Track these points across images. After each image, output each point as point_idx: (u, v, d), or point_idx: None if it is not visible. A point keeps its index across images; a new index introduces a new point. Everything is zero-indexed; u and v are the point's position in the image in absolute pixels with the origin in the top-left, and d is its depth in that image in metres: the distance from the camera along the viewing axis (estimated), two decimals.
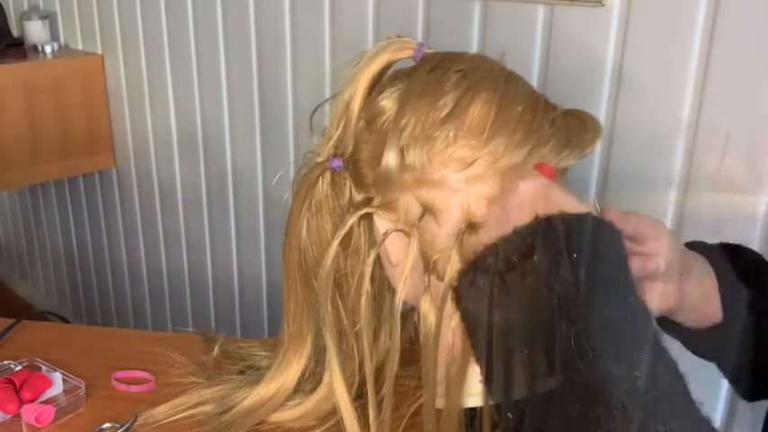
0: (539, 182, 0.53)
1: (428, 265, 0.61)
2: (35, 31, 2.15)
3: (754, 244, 0.93)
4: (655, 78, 0.99)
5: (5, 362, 0.88)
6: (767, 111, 0.90)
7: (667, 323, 0.66)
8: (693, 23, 0.94)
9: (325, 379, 0.73)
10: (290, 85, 1.56)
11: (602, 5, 1.01)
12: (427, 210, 0.59)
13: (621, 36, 1.01)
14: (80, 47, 2.16)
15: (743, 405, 0.87)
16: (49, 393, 0.83)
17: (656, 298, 0.60)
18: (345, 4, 1.39)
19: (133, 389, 0.85)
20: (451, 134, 0.57)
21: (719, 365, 0.69)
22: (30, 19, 2.15)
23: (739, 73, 0.91)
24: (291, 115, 1.58)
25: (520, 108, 0.58)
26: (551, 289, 0.47)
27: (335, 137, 0.65)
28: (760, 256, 0.70)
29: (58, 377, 0.85)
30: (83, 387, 0.83)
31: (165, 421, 0.79)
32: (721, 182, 0.82)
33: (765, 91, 0.89)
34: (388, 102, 0.60)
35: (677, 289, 0.62)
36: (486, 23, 1.17)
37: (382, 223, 0.63)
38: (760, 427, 0.70)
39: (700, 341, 0.66)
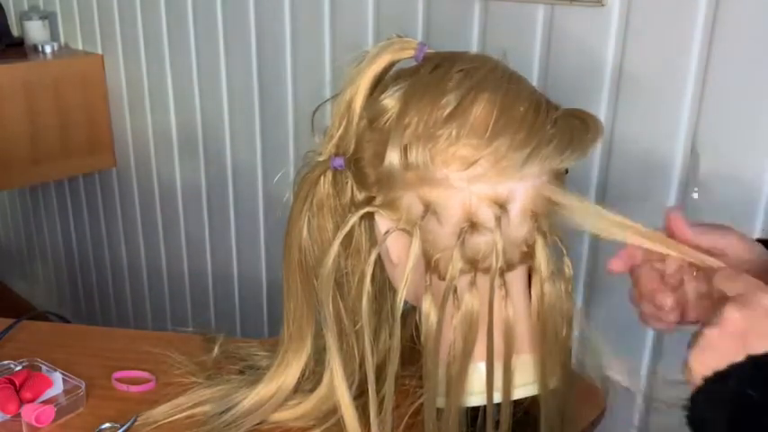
0: None
1: (429, 265, 0.61)
2: (35, 31, 2.14)
3: None
4: (655, 79, 0.99)
5: (5, 362, 0.88)
6: (767, 110, 0.90)
7: None
8: (693, 23, 0.94)
9: (326, 378, 0.73)
10: (290, 85, 1.56)
11: (602, 5, 1.01)
12: (429, 209, 0.59)
13: (621, 36, 1.01)
14: (80, 47, 2.16)
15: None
16: (49, 393, 0.83)
17: None
18: (345, 4, 1.39)
19: (133, 389, 0.85)
20: (454, 133, 0.57)
21: None
22: (30, 19, 2.15)
23: (739, 73, 0.91)
24: (291, 115, 1.57)
25: (522, 108, 0.58)
26: None
27: (337, 136, 0.65)
28: None
29: (58, 377, 0.85)
30: (83, 387, 0.83)
31: (165, 421, 0.79)
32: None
33: (766, 91, 0.89)
34: (390, 101, 0.60)
35: None
36: (486, 23, 1.17)
37: (384, 222, 0.63)
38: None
39: None
